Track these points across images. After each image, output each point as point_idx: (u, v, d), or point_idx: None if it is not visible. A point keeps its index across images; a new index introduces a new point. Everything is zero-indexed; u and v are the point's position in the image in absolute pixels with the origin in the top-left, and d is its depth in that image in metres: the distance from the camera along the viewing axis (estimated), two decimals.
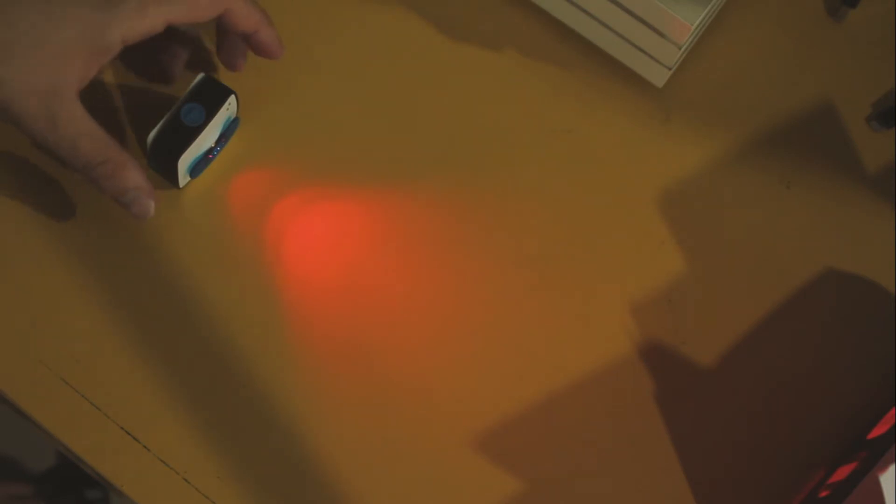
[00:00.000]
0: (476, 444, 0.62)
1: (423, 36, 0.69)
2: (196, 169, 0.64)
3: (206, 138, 0.63)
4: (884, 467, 0.57)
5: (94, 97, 0.65)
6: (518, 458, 0.62)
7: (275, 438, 0.61)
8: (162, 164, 0.63)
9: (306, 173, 0.66)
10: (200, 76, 0.63)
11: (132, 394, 0.61)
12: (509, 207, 0.66)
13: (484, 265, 0.65)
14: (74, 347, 0.62)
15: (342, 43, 0.68)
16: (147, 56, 0.65)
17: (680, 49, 0.66)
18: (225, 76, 0.66)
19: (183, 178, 0.64)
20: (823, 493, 0.60)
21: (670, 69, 0.68)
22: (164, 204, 0.64)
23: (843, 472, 0.60)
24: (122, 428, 0.61)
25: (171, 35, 0.64)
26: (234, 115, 0.65)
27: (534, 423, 0.63)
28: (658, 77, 0.69)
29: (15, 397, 0.61)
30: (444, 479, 0.62)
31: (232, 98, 0.63)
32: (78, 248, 0.63)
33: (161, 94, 0.66)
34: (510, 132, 0.68)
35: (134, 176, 0.59)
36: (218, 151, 0.64)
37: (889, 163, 0.69)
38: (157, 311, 0.63)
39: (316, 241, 0.65)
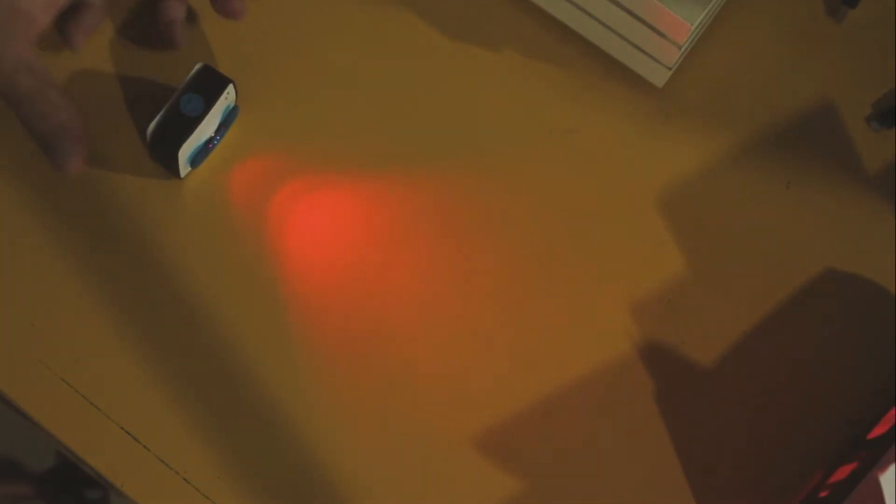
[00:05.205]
0: (476, 444, 0.62)
1: (424, 36, 0.69)
2: (197, 159, 0.64)
3: (206, 128, 0.63)
4: (884, 467, 0.57)
5: (91, 87, 0.65)
6: (518, 458, 0.62)
7: (275, 438, 0.61)
8: (162, 155, 0.63)
9: (306, 169, 0.66)
10: (198, 66, 0.63)
11: (132, 394, 0.61)
12: (509, 207, 0.66)
13: (483, 265, 0.65)
14: (74, 347, 0.62)
15: (342, 42, 0.68)
16: (148, 24, 0.64)
17: (680, 49, 0.66)
18: (223, 66, 0.66)
19: (184, 168, 0.64)
20: (823, 493, 0.60)
21: (670, 69, 0.68)
22: (165, 198, 0.64)
23: (843, 472, 0.60)
24: (122, 428, 0.61)
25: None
26: (232, 104, 0.64)
27: (533, 422, 0.63)
28: (658, 77, 0.69)
29: (15, 397, 0.61)
30: (445, 479, 0.62)
31: (230, 87, 0.63)
32: (78, 247, 0.63)
33: (159, 83, 0.66)
34: (510, 132, 0.68)
35: (65, 115, 0.56)
36: (218, 140, 0.64)
37: (889, 163, 0.69)
38: (158, 311, 0.63)
39: (316, 239, 0.65)
